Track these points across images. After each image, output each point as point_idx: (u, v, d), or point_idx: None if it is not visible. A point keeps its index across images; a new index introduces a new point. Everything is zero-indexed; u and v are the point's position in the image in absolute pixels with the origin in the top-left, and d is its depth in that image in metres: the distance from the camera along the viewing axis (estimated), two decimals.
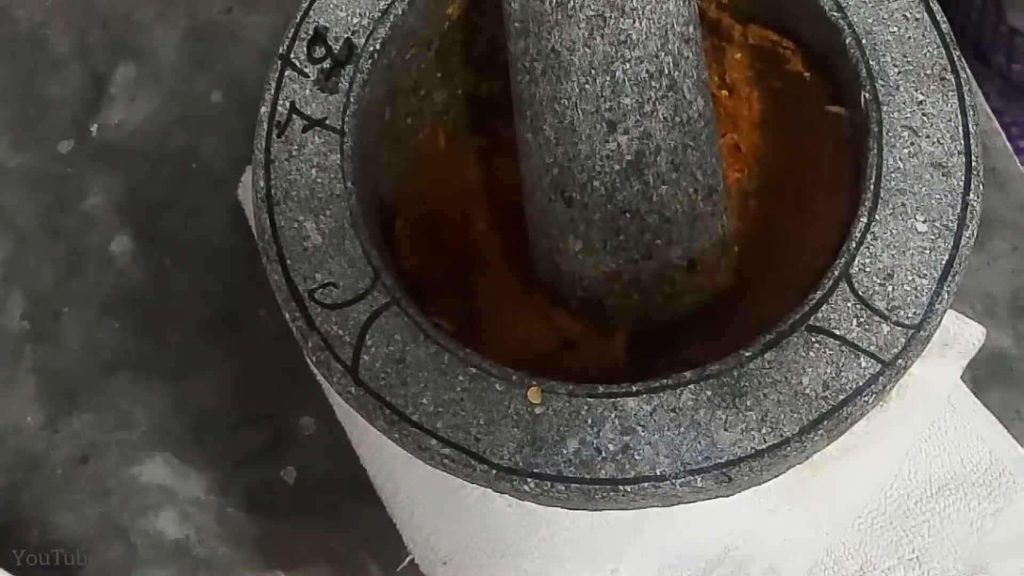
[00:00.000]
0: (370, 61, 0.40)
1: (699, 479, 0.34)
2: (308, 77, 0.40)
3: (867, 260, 0.36)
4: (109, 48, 0.57)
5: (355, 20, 0.41)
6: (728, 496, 0.36)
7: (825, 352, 0.35)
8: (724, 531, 0.43)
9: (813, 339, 0.35)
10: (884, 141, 0.37)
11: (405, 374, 0.36)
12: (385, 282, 0.37)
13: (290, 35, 0.41)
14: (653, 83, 0.37)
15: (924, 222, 0.36)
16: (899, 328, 0.35)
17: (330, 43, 0.41)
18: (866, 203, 0.37)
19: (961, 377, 0.45)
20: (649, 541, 0.43)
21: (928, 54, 0.38)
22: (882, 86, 0.38)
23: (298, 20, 0.41)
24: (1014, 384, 0.48)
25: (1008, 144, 0.52)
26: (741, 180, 0.45)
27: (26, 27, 0.57)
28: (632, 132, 0.38)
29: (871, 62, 0.38)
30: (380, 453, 0.45)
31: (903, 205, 0.36)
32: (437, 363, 0.36)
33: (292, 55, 0.40)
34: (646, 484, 0.34)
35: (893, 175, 0.37)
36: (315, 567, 0.48)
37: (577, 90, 0.37)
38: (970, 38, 0.64)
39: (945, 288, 0.36)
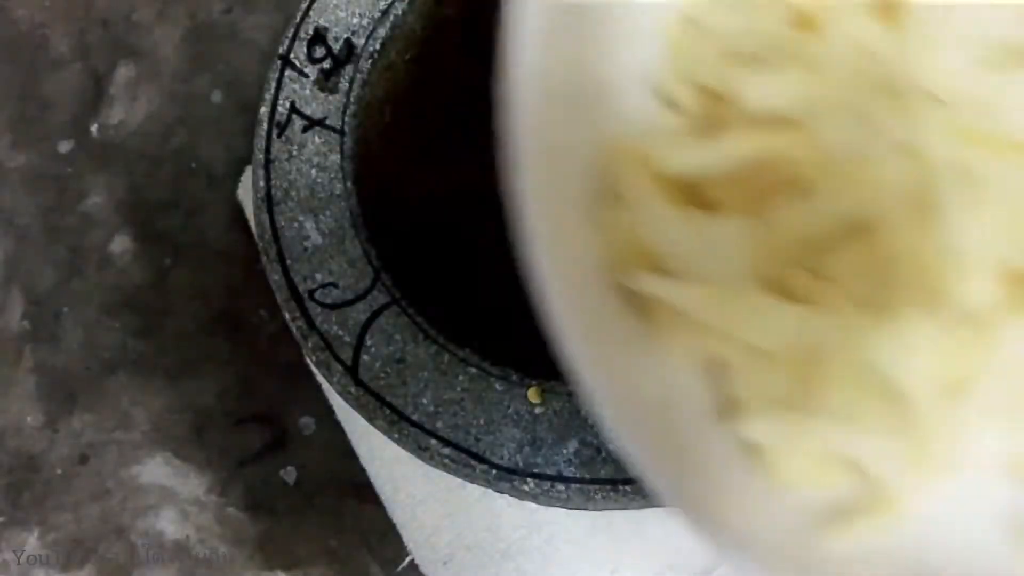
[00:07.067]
0: (370, 61, 0.40)
1: None
2: (308, 77, 0.40)
3: None
4: (109, 48, 0.57)
5: (355, 20, 0.41)
6: None
7: None
8: None
9: None
10: None
11: (405, 374, 0.36)
12: (385, 282, 0.37)
13: (290, 35, 0.41)
14: None
15: None
16: None
17: (330, 43, 0.41)
18: None
19: None
20: (649, 541, 0.43)
21: None
22: None
23: (298, 20, 0.41)
24: None
25: None
26: None
27: (26, 27, 0.57)
28: None
29: None
30: (380, 453, 0.45)
31: None
32: (437, 363, 0.36)
33: (292, 55, 0.40)
34: (646, 484, 0.34)
35: None
36: (315, 567, 0.48)
37: None
38: None
39: None
